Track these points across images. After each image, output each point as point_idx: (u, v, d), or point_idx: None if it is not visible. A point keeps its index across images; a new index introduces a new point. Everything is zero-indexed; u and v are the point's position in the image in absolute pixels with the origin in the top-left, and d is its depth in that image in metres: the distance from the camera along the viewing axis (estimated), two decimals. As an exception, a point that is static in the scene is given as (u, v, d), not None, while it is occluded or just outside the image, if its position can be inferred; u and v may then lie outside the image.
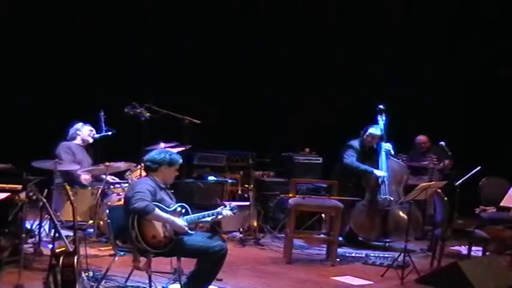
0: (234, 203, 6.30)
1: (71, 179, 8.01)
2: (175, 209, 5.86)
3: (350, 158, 8.52)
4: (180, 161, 6.06)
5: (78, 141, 8.51)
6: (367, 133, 8.66)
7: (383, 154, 8.64)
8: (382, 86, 11.05)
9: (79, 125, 8.54)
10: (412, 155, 9.90)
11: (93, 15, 10.81)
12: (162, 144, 8.46)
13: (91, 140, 8.55)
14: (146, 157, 6.06)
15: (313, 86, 11.52)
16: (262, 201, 9.47)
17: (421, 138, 10.03)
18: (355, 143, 8.66)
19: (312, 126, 11.12)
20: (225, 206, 6.08)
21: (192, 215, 5.93)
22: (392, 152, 8.73)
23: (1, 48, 10.15)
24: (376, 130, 8.67)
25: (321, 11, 11.39)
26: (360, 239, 8.73)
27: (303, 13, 11.41)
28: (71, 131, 8.53)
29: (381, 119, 8.78)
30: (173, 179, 6.12)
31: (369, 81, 11.17)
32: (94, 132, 8.54)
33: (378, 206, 8.55)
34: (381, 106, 8.86)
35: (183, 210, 5.91)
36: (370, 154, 8.71)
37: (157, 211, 5.64)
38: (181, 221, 5.76)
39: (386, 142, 8.72)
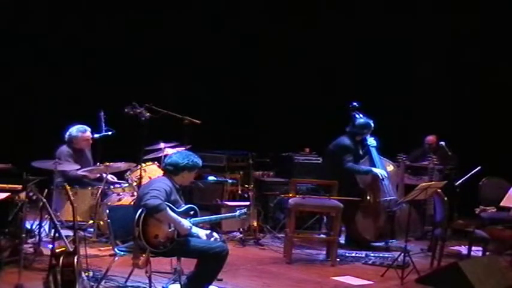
0: (244, 210, 6.37)
1: (70, 179, 8.01)
2: (185, 210, 5.88)
3: (350, 162, 8.47)
4: (200, 164, 6.05)
5: (75, 144, 8.44)
6: (360, 126, 8.59)
7: (373, 151, 8.62)
8: (382, 85, 11.06)
9: (73, 130, 8.39)
10: (416, 154, 9.92)
11: (93, 15, 10.81)
12: (162, 144, 8.48)
13: (88, 147, 8.48)
14: (168, 160, 6.02)
15: (312, 85, 11.51)
16: (262, 201, 9.47)
17: (430, 138, 10.04)
18: (348, 142, 8.56)
19: (311, 126, 11.11)
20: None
21: (199, 218, 5.95)
22: (375, 144, 8.67)
23: (1, 48, 10.16)
24: (367, 122, 8.62)
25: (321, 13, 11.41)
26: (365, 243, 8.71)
27: (305, 17, 11.43)
28: (67, 135, 8.44)
29: (358, 116, 8.72)
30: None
31: (368, 80, 11.16)
32: (89, 137, 8.42)
33: (382, 207, 8.54)
34: (355, 104, 8.80)
35: (192, 212, 5.93)
36: (359, 149, 8.67)
37: (168, 211, 5.65)
38: (187, 223, 5.76)
39: (370, 137, 8.68)
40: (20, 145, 9.68)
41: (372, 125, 8.63)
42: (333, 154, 8.63)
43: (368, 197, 8.58)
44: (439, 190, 7.52)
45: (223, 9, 11.34)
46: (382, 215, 8.58)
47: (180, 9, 11.24)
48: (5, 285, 6.02)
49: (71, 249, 5.55)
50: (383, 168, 8.58)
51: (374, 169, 8.50)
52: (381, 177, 8.48)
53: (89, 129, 8.43)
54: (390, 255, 8.03)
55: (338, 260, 7.79)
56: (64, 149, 8.32)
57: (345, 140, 8.57)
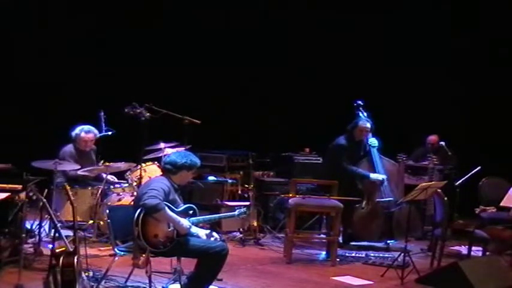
0: (243, 209, 6.40)
1: (71, 179, 8.01)
2: (184, 210, 5.88)
3: (345, 161, 8.47)
4: (199, 164, 6.07)
5: (78, 144, 8.43)
6: (358, 126, 8.58)
7: (374, 152, 8.61)
8: (382, 85, 11.06)
9: (78, 129, 8.38)
10: (418, 154, 9.91)
11: (92, 16, 10.81)
12: (162, 144, 8.48)
13: (87, 148, 8.46)
14: (167, 159, 6.03)
15: (311, 85, 11.51)
16: (262, 201, 9.47)
17: (432, 137, 10.03)
18: (342, 141, 8.54)
19: (311, 126, 11.11)
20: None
21: (198, 217, 5.96)
22: (377, 144, 8.67)
23: (2, 48, 10.16)
24: (365, 123, 8.60)
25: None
26: (360, 243, 8.70)
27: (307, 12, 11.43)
28: (73, 134, 8.43)
29: (362, 115, 8.74)
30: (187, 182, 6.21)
31: (367, 79, 11.16)
32: (89, 139, 8.38)
33: (380, 208, 8.54)
34: (360, 101, 8.82)
35: (191, 212, 5.93)
36: (359, 150, 8.68)
37: (167, 210, 5.66)
38: (186, 222, 5.77)
39: (372, 137, 8.68)
40: (20, 145, 9.67)
41: (363, 125, 8.56)
42: (331, 153, 8.65)
43: (367, 198, 8.57)
44: (439, 190, 7.52)
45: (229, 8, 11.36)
46: (380, 216, 8.58)
47: (180, 9, 11.25)
48: (5, 285, 6.02)
49: (71, 249, 5.55)
50: (383, 168, 8.58)
51: (372, 175, 8.49)
52: (379, 183, 8.49)
53: (93, 130, 8.39)
54: (390, 255, 8.03)
55: (338, 260, 7.79)
56: (67, 148, 8.32)
57: (341, 140, 8.57)
